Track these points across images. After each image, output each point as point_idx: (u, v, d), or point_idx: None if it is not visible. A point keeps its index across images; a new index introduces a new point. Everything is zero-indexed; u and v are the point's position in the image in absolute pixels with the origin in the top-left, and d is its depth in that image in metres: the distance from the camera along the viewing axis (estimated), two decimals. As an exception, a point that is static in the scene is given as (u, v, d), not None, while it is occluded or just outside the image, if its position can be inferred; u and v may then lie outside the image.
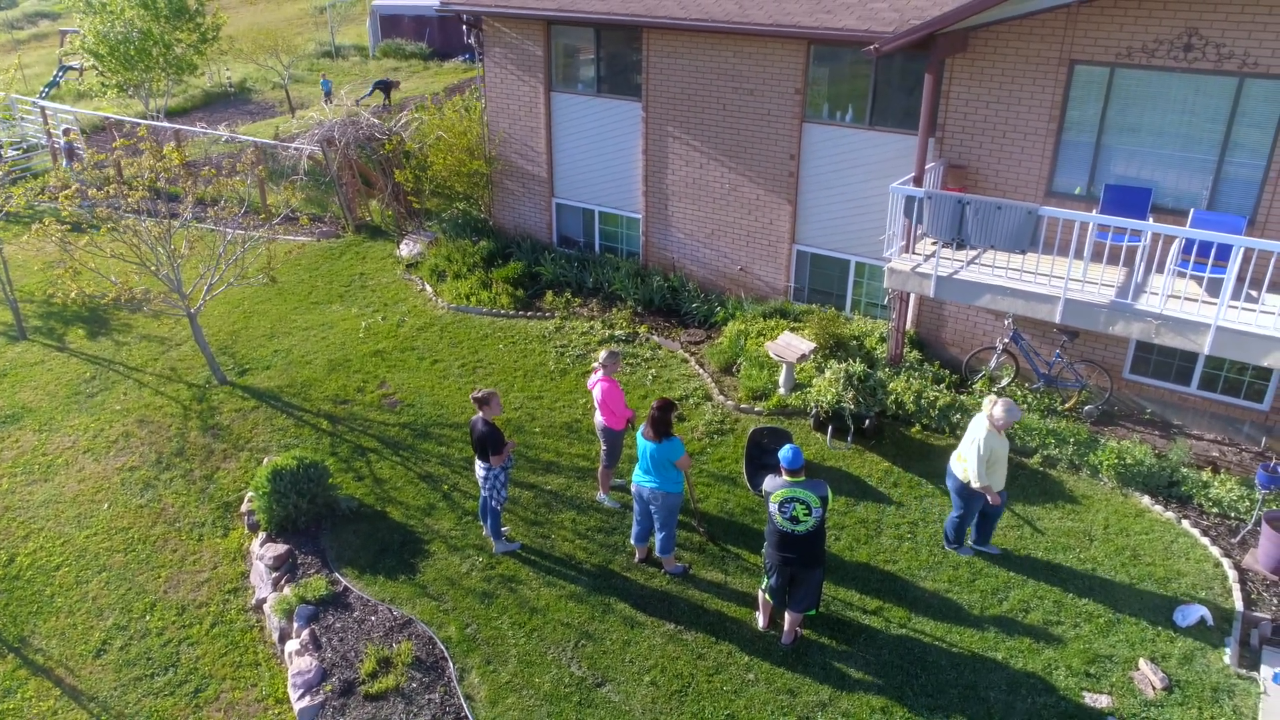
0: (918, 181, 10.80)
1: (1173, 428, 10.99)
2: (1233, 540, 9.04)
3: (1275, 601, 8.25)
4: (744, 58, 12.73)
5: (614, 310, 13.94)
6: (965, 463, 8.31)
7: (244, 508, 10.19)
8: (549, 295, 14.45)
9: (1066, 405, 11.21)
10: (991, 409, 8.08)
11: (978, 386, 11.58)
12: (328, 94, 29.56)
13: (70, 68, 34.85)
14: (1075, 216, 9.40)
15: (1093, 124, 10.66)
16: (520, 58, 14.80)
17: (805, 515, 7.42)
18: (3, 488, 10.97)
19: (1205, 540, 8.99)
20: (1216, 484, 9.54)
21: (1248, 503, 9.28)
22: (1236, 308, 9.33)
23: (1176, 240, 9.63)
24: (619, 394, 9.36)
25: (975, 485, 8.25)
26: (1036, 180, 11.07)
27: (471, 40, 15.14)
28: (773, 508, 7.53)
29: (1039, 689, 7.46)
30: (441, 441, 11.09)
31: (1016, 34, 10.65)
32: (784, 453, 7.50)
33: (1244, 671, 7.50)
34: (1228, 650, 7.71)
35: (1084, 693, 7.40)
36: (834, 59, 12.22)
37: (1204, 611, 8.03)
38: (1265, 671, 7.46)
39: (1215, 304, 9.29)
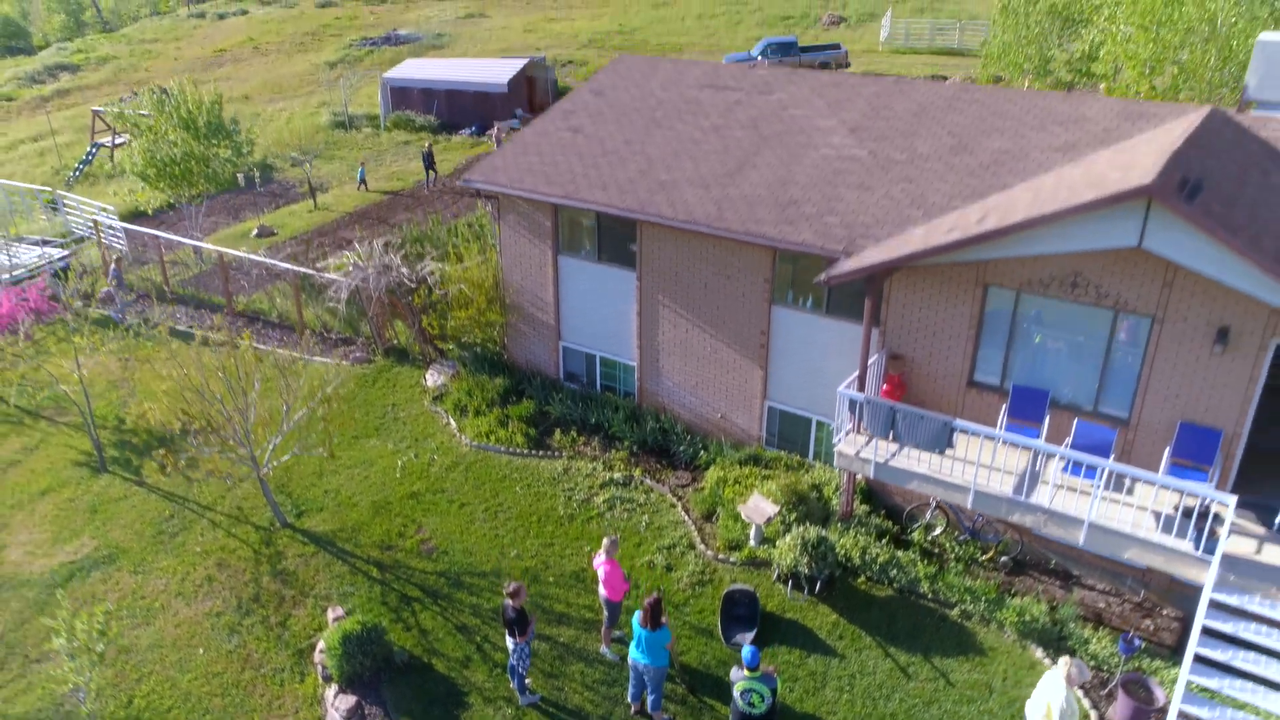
0: (861, 379, 13.19)
1: (1071, 578, 13.40)
2: (1103, 692, 11.45)
3: (1125, 752, 10.67)
4: (723, 248, 15.09)
5: (613, 451, 16.33)
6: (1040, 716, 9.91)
7: (316, 657, 12.58)
8: (557, 433, 16.84)
9: (986, 556, 13.62)
10: (1068, 670, 9.65)
11: (915, 536, 13.98)
12: (362, 180, 31.85)
13: (101, 145, 37.18)
14: (980, 431, 11.78)
15: (1004, 332, 13.03)
16: (532, 226, 17.15)
17: (760, 702, 9.82)
18: (114, 631, 13.36)
19: (1079, 692, 11.40)
20: (1095, 640, 11.95)
21: (1117, 659, 11.69)
22: (1109, 499, 11.73)
23: (1064, 444, 12.02)
24: (619, 574, 11.77)
25: None
26: (960, 372, 13.46)
27: (488, 207, 17.47)
28: (735, 694, 9.93)
29: (936, 830, 9.88)
30: (472, 591, 13.49)
31: (940, 263, 13.00)
32: (745, 653, 9.90)
33: (1090, 816, 9.92)
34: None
35: (969, 834, 9.82)
36: (796, 257, 14.57)
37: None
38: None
39: (1101, 496, 11.66)
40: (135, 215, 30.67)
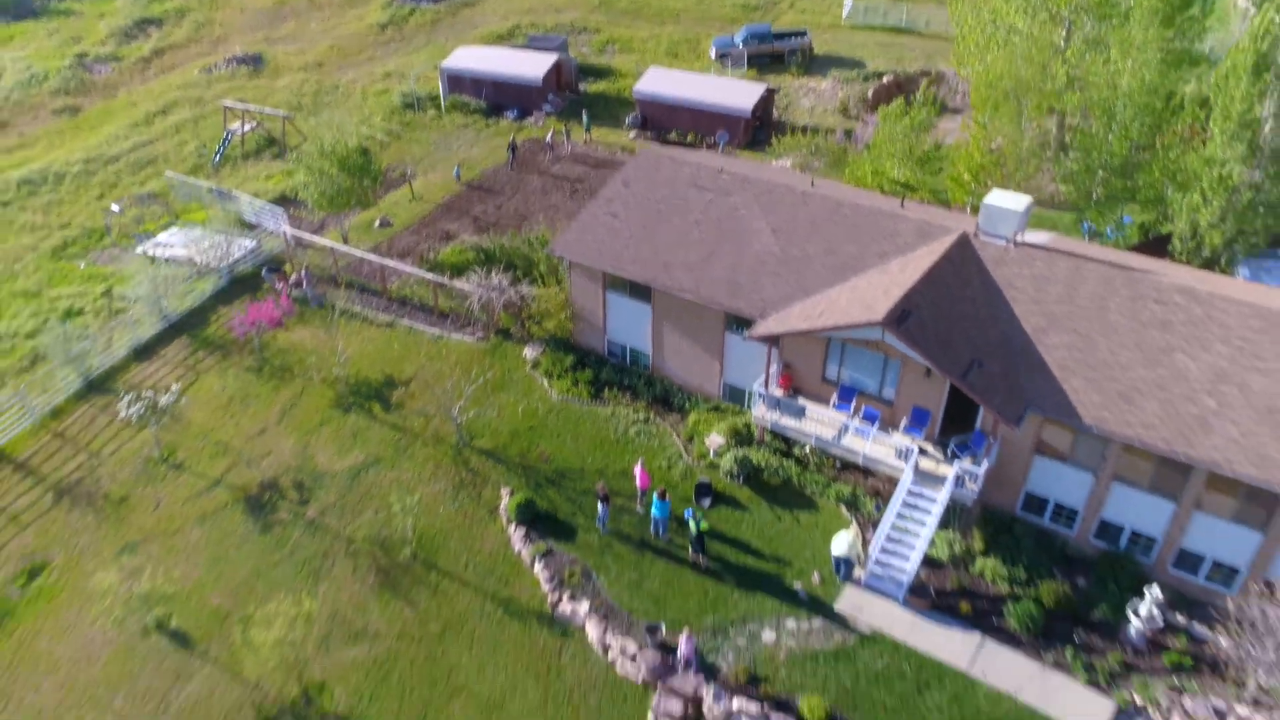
0: (767, 378, 26.26)
1: (869, 472, 26.92)
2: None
3: None
4: (699, 304, 27.73)
5: (638, 401, 29.57)
6: None
7: (501, 511, 26.14)
8: (606, 390, 30.03)
9: (829, 461, 27.08)
10: (853, 529, 23.73)
11: (796, 451, 27.41)
12: (458, 177, 43.23)
13: (233, 132, 48.23)
14: (815, 411, 24.98)
15: (838, 356, 26.01)
16: (590, 275, 29.74)
17: (700, 522, 23.50)
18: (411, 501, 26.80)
19: (856, 536, 25.16)
20: (870, 504, 25.56)
21: (876, 517, 25.36)
22: (879, 443, 25.09)
23: (857, 417, 25.32)
24: (645, 475, 25.39)
25: None
26: (818, 373, 26.54)
27: (564, 264, 29.92)
28: (688, 518, 23.59)
29: (780, 583, 23.83)
30: (572, 479, 27.02)
31: (808, 319, 25.80)
32: (703, 504, 23.50)
33: None
34: None
35: (793, 584, 23.77)
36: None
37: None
38: None
39: (873, 440, 24.94)
40: (283, 199, 42.52)
